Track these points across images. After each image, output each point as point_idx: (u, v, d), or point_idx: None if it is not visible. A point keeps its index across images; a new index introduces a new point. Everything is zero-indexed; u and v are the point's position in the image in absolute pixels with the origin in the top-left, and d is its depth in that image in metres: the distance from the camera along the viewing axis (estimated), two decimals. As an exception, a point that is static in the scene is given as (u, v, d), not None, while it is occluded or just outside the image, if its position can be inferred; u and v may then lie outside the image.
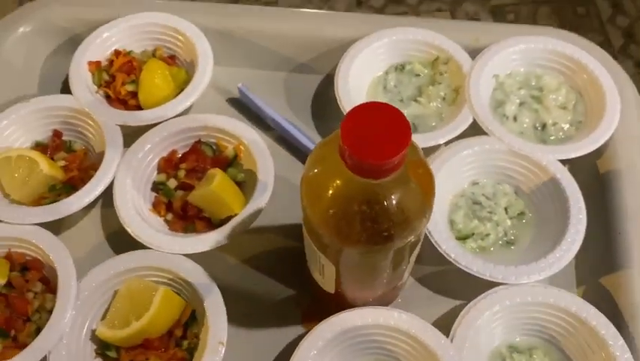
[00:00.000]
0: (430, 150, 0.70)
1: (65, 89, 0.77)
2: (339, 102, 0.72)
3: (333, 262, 0.52)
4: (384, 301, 0.62)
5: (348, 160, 0.42)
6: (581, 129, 0.73)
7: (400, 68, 0.78)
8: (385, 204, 0.44)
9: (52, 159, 0.73)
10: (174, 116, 0.73)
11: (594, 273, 0.66)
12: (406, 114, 0.73)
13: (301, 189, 0.48)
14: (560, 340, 0.61)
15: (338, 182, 0.45)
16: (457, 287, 0.65)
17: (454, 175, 0.69)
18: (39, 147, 0.75)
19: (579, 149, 0.68)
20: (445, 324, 0.59)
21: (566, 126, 0.73)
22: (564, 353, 0.61)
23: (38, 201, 0.71)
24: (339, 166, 0.43)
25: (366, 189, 0.44)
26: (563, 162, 0.68)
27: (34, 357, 0.60)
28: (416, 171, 0.46)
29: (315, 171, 0.47)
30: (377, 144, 0.41)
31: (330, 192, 0.45)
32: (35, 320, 0.64)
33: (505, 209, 0.68)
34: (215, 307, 0.61)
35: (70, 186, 0.71)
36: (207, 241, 0.64)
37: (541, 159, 0.68)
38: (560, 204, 0.66)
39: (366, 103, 0.43)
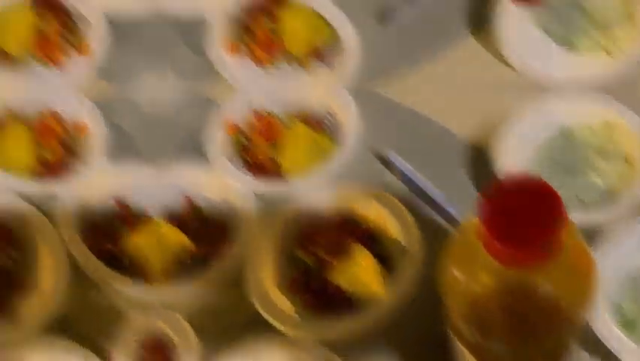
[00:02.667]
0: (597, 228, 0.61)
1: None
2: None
3: None
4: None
5: (489, 246, 0.36)
6: None
7: (569, 133, 0.68)
8: (534, 297, 0.38)
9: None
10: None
11: None
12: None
13: (439, 281, 0.43)
14: None
15: (479, 271, 0.39)
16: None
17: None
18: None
19: None
20: None
21: None
22: None
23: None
24: (481, 252, 0.38)
25: (512, 280, 0.38)
26: None
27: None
28: (573, 257, 0.39)
29: (454, 258, 0.42)
30: (524, 226, 0.35)
31: (471, 284, 0.40)
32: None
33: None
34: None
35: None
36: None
37: None
38: None
39: (509, 178, 0.37)
